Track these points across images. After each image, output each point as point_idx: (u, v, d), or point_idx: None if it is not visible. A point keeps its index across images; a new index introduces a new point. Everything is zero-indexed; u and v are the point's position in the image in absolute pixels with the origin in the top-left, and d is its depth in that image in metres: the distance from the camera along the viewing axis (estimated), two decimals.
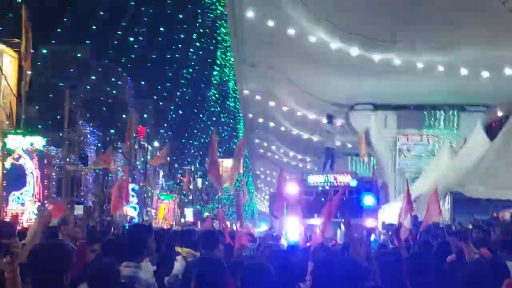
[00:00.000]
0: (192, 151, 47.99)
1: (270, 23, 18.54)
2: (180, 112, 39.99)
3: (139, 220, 30.56)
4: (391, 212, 20.19)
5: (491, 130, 22.29)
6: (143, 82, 46.52)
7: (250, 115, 32.10)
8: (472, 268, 5.10)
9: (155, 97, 46.24)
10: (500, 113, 25.91)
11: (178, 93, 36.69)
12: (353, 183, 21.75)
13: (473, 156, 17.64)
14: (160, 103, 46.65)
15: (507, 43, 16.81)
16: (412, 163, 25.46)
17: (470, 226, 13.44)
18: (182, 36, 27.34)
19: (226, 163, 26.67)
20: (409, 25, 16.29)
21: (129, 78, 54.96)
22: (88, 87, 38.35)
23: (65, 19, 26.08)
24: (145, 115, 58.53)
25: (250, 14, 18.35)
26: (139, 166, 50.92)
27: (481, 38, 16.65)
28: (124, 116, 39.01)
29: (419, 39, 17.46)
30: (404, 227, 13.59)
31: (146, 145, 64.26)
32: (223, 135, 38.10)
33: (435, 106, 25.28)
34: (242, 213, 15.19)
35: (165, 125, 44.19)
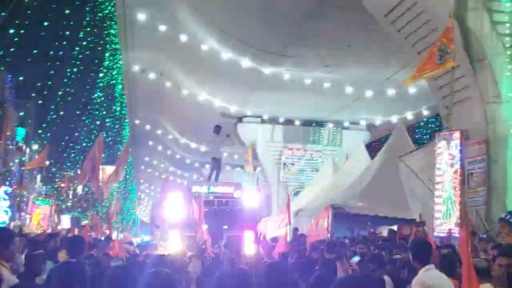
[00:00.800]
0: (73, 155, 45.97)
1: (162, 27, 18.12)
2: (61, 113, 38.05)
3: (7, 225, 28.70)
4: (272, 225, 20.37)
5: (371, 149, 23.23)
6: (21, 78, 43.81)
7: (137, 121, 31.33)
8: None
9: (36, 97, 43.83)
10: (380, 133, 27.07)
11: (60, 93, 34.91)
12: (237, 194, 21.73)
13: (354, 173, 18.17)
14: (40, 101, 44.12)
15: (393, 65, 17.50)
16: (296, 177, 25.89)
17: (347, 241, 13.76)
18: (67, 32, 25.97)
19: (109, 170, 25.68)
20: (301, 40, 16.53)
21: (9, 75, 51.90)
22: None
23: None
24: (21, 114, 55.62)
25: (141, 17, 17.81)
26: (13, 168, 48.08)
27: (370, 58, 17.23)
28: None
29: (309, 55, 17.75)
30: (281, 239, 13.72)
31: (24, 147, 61.06)
32: (107, 140, 36.76)
33: (320, 122, 25.91)
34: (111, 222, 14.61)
35: (44, 125, 41.97)
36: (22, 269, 7.59)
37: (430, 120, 30.11)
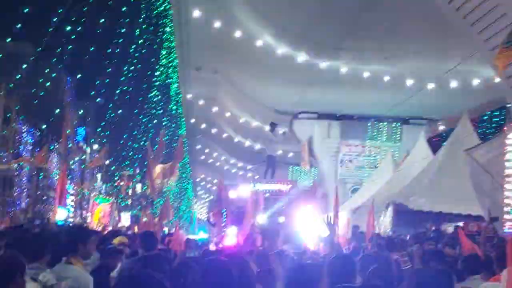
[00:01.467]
0: (131, 153, 46.59)
1: (217, 24, 17.94)
2: (120, 111, 38.51)
3: (67, 222, 29.31)
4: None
5: (432, 144, 22.40)
6: (80, 75, 44.52)
7: (193, 120, 31.42)
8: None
9: (95, 96, 44.58)
10: (442, 127, 26.17)
11: (118, 92, 35.32)
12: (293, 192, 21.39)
13: (415, 168, 17.54)
14: (97, 99, 44.79)
15: (455, 56, 16.78)
16: (354, 173, 25.32)
17: (407, 238, 13.27)
18: (123, 30, 26.09)
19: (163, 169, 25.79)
20: (357, 33, 16.01)
21: (68, 77, 53.17)
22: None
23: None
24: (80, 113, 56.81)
25: (196, 13, 17.69)
26: (73, 167, 49.17)
27: (431, 49, 16.57)
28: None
29: (367, 47, 17.21)
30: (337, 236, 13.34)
31: (84, 146, 62.52)
32: (164, 139, 37.02)
33: (379, 117, 25.25)
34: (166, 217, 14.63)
35: (102, 125, 42.59)
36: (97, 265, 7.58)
37: (494, 113, 29.00)
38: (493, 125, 29.99)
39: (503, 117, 27.46)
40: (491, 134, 28.32)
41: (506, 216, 9.43)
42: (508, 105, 19.14)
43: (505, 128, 9.50)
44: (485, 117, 29.70)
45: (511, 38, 8.81)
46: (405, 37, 16.09)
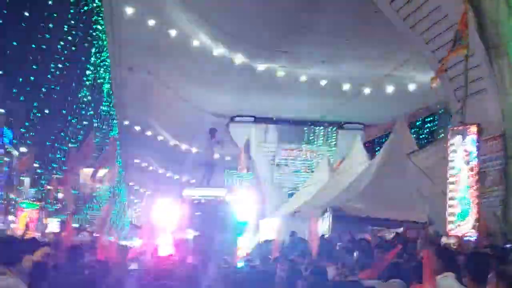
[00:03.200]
0: (59, 156, 44.81)
1: (151, 22, 17.28)
2: (47, 111, 36.84)
3: None
4: (267, 228, 19.57)
5: (366, 149, 22.39)
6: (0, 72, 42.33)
7: (126, 122, 30.42)
8: None
9: (18, 95, 42.49)
10: (376, 132, 26.31)
11: (45, 90, 33.74)
12: (229, 198, 20.91)
13: (352, 173, 17.39)
14: (21, 98, 42.70)
15: (393, 60, 16.76)
16: (290, 178, 25.06)
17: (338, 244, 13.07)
18: (50, 25, 24.69)
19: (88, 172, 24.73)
20: (294, 35, 15.71)
21: None
22: None
23: None
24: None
25: (129, 10, 16.96)
26: None
27: (369, 53, 16.47)
28: None
29: (304, 50, 16.96)
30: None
31: (12, 149, 59.90)
32: (96, 141, 35.73)
33: (315, 121, 25.10)
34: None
35: (27, 126, 40.69)
36: None
37: (426, 119, 29.42)
38: (426, 130, 30.46)
39: (435, 122, 27.91)
40: (424, 140, 28.77)
41: (449, 225, 9.22)
42: (444, 110, 19.29)
43: (451, 129, 9.33)
44: (418, 123, 30.09)
45: (458, 40, 8.66)
46: (343, 40, 15.91)
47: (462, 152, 9.07)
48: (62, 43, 26.95)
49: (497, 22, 9.55)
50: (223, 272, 7.64)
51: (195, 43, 17.54)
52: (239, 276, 7.65)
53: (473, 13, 9.46)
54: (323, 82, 19.15)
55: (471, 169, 8.99)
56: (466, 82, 9.21)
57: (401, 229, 12.35)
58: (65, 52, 28.44)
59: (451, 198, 9.19)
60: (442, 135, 20.15)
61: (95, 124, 37.94)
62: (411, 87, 19.11)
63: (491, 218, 9.19)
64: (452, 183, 9.21)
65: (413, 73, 18.22)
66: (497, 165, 9.47)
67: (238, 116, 25.13)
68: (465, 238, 8.96)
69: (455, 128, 9.43)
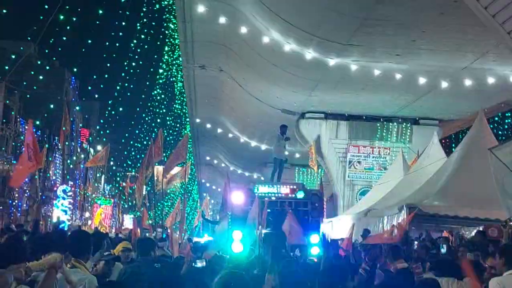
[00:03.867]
0: (133, 153, 45.84)
1: (222, 19, 17.34)
2: (121, 109, 37.63)
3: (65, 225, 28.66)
4: (339, 226, 19.25)
5: (442, 146, 21.66)
6: (75, 69, 43.45)
7: (198, 120, 30.79)
8: None
9: (95, 94, 43.63)
10: (454, 129, 25.47)
11: (119, 88, 34.49)
12: (300, 195, 20.75)
13: (428, 170, 16.82)
14: (96, 95, 43.64)
15: (470, 53, 16.10)
16: (363, 175, 24.63)
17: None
18: (124, 23, 25.07)
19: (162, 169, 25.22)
20: (370, 27, 15.31)
21: (73, 77, 52.62)
22: (25, 83, 35.79)
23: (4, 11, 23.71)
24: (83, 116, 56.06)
25: (200, 9, 17.07)
26: (71, 166, 48.51)
27: (445, 46, 15.89)
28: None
29: (378, 44, 16.51)
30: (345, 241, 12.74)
31: (88, 147, 61.91)
32: (168, 139, 36.41)
33: (389, 117, 24.54)
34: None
35: (103, 123, 41.74)
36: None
37: (506, 114, 28.27)
38: (505, 126, 29.27)
39: None
40: (503, 136, 27.60)
41: None
42: None
43: None
44: (496, 118, 28.95)
45: None
46: (419, 33, 15.41)
47: None
48: (135, 41, 27.42)
49: None
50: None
51: (266, 39, 17.44)
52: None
53: None
54: (397, 76, 18.62)
55: None
56: None
57: (481, 228, 11.82)
58: (138, 50, 28.94)
59: None
60: None
61: (168, 122, 38.55)
62: (490, 80, 18.30)
63: None
64: None
65: (492, 66, 17.47)
66: None
67: (308, 112, 24.91)
68: None
69: None
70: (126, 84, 34.07)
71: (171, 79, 32.06)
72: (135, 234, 13.72)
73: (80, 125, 58.12)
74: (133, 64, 29.60)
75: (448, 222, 13.40)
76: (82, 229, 12.95)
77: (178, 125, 39.51)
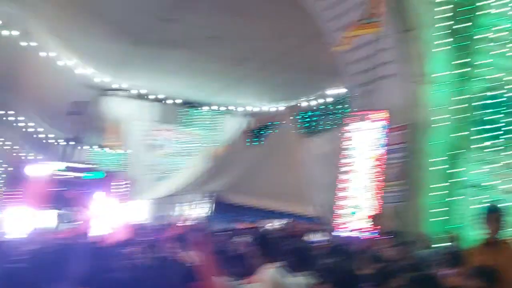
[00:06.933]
0: None
1: None
2: None
3: None
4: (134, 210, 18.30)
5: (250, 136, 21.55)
6: None
7: None
8: None
9: None
10: (262, 120, 25.47)
11: None
12: None
13: (233, 160, 16.52)
14: None
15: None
16: (165, 160, 23.57)
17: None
18: None
19: None
20: (188, 3, 14.31)
21: None
22: None
23: None
24: None
25: None
26: None
27: (264, 31, 15.45)
28: None
29: (195, 22, 15.58)
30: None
31: None
32: None
33: (199, 103, 23.69)
34: None
35: None
36: None
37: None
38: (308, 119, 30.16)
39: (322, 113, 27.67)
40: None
41: (341, 218, 8.38)
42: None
43: (351, 115, 8.50)
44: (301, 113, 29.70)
45: (368, 18, 7.85)
46: (236, 15, 14.75)
47: (370, 140, 8.25)
48: None
49: (413, 4, 8.79)
50: None
51: None
52: None
53: None
54: (211, 61, 17.85)
55: (376, 159, 8.21)
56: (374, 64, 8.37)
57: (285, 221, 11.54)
58: None
59: (347, 190, 8.35)
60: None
61: None
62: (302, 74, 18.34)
63: (389, 214, 8.44)
64: (348, 173, 8.36)
65: None
66: (399, 158, 8.71)
67: (111, 89, 23.07)
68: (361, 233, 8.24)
69: (357, 113, 8.59)
70: None
71: None
72: None
73: None
74: None
75: (253, 214, 13.03)
76: None
77: None
